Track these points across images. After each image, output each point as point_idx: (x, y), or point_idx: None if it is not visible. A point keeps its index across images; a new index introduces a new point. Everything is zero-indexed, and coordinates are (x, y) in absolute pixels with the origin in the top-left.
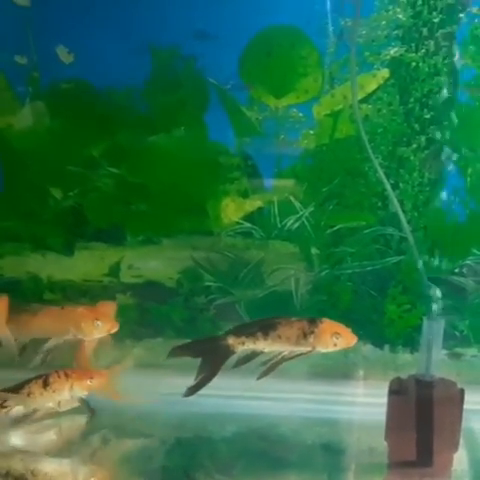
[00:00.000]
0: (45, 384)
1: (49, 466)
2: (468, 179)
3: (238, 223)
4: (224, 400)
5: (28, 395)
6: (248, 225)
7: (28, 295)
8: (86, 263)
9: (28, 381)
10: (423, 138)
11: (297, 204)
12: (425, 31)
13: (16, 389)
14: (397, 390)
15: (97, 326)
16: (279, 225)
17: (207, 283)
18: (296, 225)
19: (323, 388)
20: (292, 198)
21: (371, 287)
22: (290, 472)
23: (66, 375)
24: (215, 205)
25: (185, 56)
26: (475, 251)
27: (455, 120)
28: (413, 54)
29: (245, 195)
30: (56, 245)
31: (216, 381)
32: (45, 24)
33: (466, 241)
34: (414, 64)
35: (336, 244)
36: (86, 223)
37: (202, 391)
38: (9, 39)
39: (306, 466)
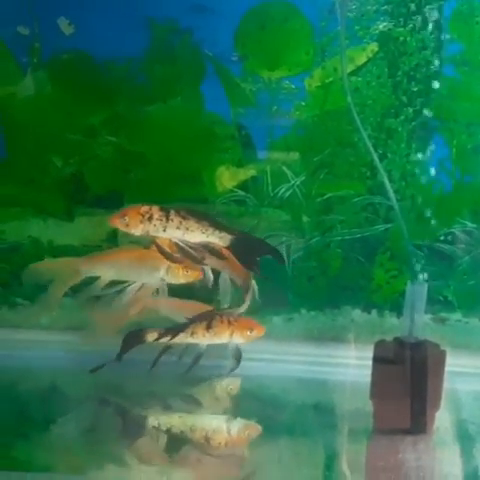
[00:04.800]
0: (208, 327)
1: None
2: (454, 150)
3: (232, 191)
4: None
5: (191, 334)
6: (242, 193)
7: (29, 259)
8: (85, 228)
9: (192, 321)
10: (411, 110)
11: (289, 173)
12: (413, 6)
13: (181, 328)
14: (381, 351)
15: None
16: (271, 193)
17: None
18: (288, 194)
19: (313, 350)
20: (284, 167)
21: (360, 254)
22: (281, 432)
23: (229, 322)
24: (210, 173)
25: (182, 29)
26: (460, 220)
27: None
28: (401, 29)
29: (239, 164)
30: (57, 211)
31: None
32: None
33: (452, 210)
34: (402, 38)
35: (326, 212)
36: (86, 190)
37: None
38: (11, 10)
39: (296, 426)
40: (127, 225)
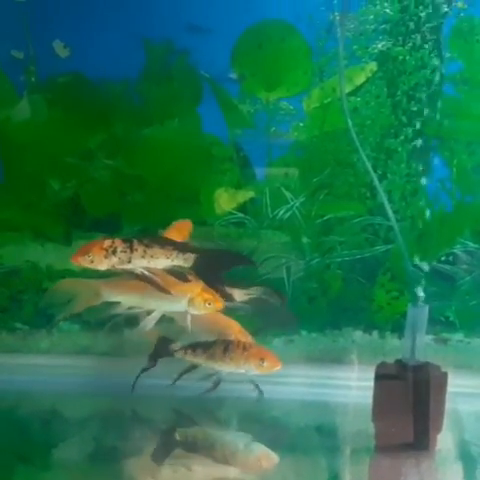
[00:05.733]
0: (225, 350)
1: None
2: (454, 169)
3: (231, 213)
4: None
5: (211, 356)
6: (241, 215)
7: (28, 283)
8: None
9: (214, 342)
10: (410, 130)
11: (288, 194)
12: (412, 25)
13: (205, 348)
14: (383, 374)
15: None
16: (271, 215)
17: None
18: (287, 215)
19: (314, 372)
20: (283, 189)
21: (360, 275)
22: (283, 454)
23: (244, 348)
24: (208, 195)
25: (178, 50)
26: (461, 240)
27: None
28: (400, 48)
29: (237, 186)
30: (55, 235)
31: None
32: (41, 19)
33: (453, 230)
34: (401, 57)
35: (326, 233)
36: (83, 213)
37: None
38: (6, 34)
39: (299, 448)
40: (92, 262)
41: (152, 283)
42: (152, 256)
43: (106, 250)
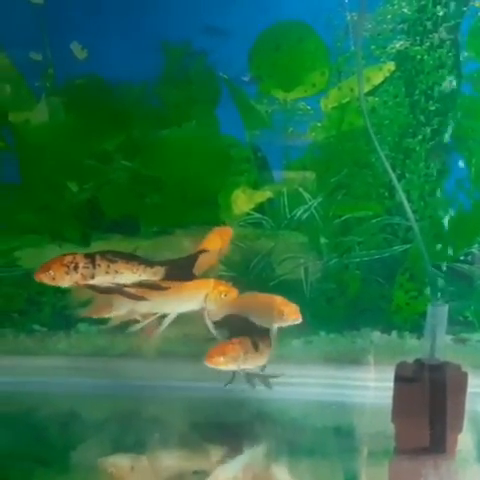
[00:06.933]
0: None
1: None
2: (472, 169)
3: (249, 214)
4: (236, 386)
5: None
6: (258, 216)
7: (46, 286)
8: None
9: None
10: (428, 129)
11: (306, 195)
12: (429, 25)
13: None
14: (403, 374)
15: None
16: (289, 215)
17: (219, 273)
18: (305, 215)
19: (333, 373)
20: (301, 189)
21: (379, 275)
22: (301, 455)
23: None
24: (226, 196)
25: (196, 52)
26: (479, 239)
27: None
28: (418, 47)
29: (255, 186)
30: (73, 237)
31: None
32: (59, 21)
33: (471, 230)
34: (419, 57)
35: (344, 233)
36: (101, 215)
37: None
38: (24, 36)
39: (317, 449)
40: (53, 278)
41: (122, 293)
42: (117, 271)
43: (67, 266)
